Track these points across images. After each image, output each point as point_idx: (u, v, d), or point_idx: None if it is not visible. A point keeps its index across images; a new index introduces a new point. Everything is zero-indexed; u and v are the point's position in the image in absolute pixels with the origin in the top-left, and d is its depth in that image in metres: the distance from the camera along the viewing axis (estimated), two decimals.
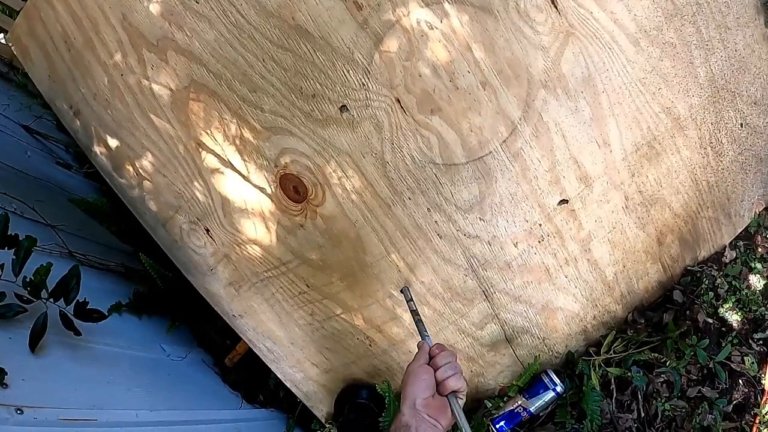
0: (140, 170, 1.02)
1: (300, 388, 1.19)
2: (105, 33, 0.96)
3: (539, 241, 1.00)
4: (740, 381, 1.09)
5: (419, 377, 0.74)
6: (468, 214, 0.97)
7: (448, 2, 0.87)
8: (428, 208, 0.97)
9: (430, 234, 0.98)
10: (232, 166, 0.97)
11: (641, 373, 1.07)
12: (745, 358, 1.08)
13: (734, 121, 1.08)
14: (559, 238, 1.00)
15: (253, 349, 1.17)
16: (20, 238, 0.93)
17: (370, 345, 1.10)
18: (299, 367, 1.15)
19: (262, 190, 0.98)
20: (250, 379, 1.34)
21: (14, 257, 0.92)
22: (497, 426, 1.08)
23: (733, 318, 1.10)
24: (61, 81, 1.05)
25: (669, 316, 1.07)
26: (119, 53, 0.95)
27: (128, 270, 1.37)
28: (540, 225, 0.99)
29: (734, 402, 1.08)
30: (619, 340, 1.08)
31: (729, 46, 1.02)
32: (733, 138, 1.09)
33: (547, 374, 1.08)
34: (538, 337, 1.09)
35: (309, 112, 0.93)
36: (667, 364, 1.06)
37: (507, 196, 0.96)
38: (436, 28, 0.88)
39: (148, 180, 1.02)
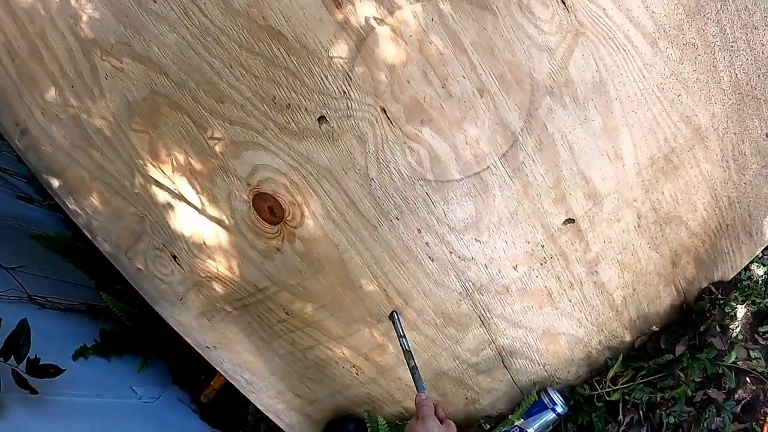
0: (97, 194, 0.92)
1: (283, 419, 1.11)
2: (53, 39, 0.85)
3: (541, 264, 0.91)
4: (747, 379, 1.03)
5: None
6: (463, 234, 0.87)
7: None
8: (418, 229, 0.87)
9: (421, 256, 0.89)
10: (199, 185, 0.87)
11: (645, 391, 0.99)
12: (751, 353, 1.00)
13: (759, 131, 0.97)
14: (563, 260, 0.91)
15: (231, 381, 1.09)
16: None
17: (357, 374, 1.02)
18: (281, 398, 1.07)
19: (233, 211, 0.88)
20: (229, 415, 1.27)
21: None
22: None
23: (738, 312, 1.03)
24: (5, 96, 0.92)
25: (681, 347, 0.98)
26: (69, 61, 0.85)
27: (92, 308, 1.29)
28: (542, 246, 0.89)
29: (742, 402, 1.01)
30: (626, 368, 1.00)
31: (756, 47, 0.91)
32: (758, 149, 0.98)
33: (547, 393, 1.00)
34: (538, 363, 1.01)
35: (284, 124, 0.83)
36: (674, 386, 0.98)
37: (506, 216, 0.86)
38: (427, 28, 0.77)
39: (106, 203, 0.92)
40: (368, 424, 1.03)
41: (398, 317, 0.92)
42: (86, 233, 0.97)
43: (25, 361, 0.91)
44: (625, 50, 0.82)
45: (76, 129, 0.90)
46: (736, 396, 1.01)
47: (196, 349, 1.05)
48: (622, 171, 0.87)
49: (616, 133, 0.85)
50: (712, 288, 1.02)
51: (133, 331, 1.26)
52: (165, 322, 1.05)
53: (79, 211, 0.95)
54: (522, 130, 0.81)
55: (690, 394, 0.97)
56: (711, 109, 0.90)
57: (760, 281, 1.05)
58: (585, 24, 0.80)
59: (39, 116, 0.90)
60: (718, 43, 0.88)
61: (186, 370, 1.31)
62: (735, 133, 0.94)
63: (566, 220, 0.88)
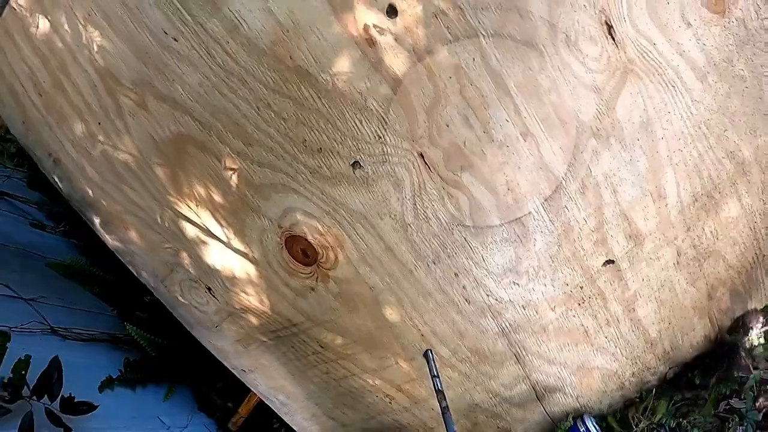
0: (130, 226, 0.89)
1: None
2: (75, 73, 0.80)
3: (579, 304, 0.89)
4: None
5: None
6: (501, 279, 0.85)
7: (484, 36, 0.71)
8: (456, 273, 0.85)
9: (457, 299, 0.87)
10: (228, 223, 0.84)
11: (674, 416, 1.00)
12: None
13: None
14: (601, 299, 0.89)
15: (266, 402, 1.10)
16: None
17: (390, 402, 1.02)
18: (315, 420, 1.08)
19: (265, 251, 0.86)
20: None
21: None
22: None
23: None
24: (36, 129, 0.91)
25: (712, 379, 0.99)
26: (93, 97, 0.80)
27: (115, 337, 1.27)
28: (581, 288, 0.88)
29: (764, 410, 1.03)
30: (659, 399, 1.00)
31: None
32: None
33: (583, 421, 1.00)
34: (571, 396, 1.01)
35: (315, 168, 0.79)
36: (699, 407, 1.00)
37: (546, 259, 0.84)
38: (469, 68, 0.73)
39: (140, 237, 0.90)
40: None
41: (432, 357, 0.91)
42: (123, 262, 0.96)
43: (58, 399, 0.90)
44: (674, 86, 0.78)
45: (105, 163, 0.87)
46: (758, 405, 1.02)
47: (232, 371, 1.05)
48: (665, 210, 0.84)
49: (660, 172, 0.81)
50: (745, 318, 1.02)
51: (158, 360, 1.24)
52: (190, 351, 1.04)
53: (115, 241, 0.93)
54: (566, 174, 0.78)
55: (713, 411, 0.98)
56: (755, 142, 0.87)
57: None
58: (634, 60, 0.75)
59: (70, 148, 0.88)
60: (765, 74, 0.84)
61: (211, 398, 1.30)
62: None
63: (606, 261, 0.86)
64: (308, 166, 0.79)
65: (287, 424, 1.15)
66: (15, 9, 0.81)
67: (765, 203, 0.93)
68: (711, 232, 0.90)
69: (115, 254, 0.99)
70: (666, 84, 0.77)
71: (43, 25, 0.80)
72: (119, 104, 0.80)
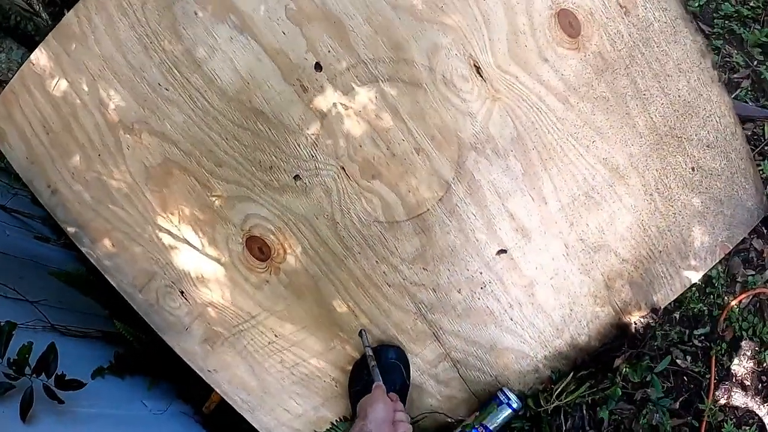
0: (116, 242, 1.16)
1: None
2: (83, 117, 1.08)
3: (481, 288, 1.07)
4: (685, 378, 1.12)
5: (386, 406, 0.89)
6: (412, 264, 1.06)
7: (382, 81, 0.97)
8: (376, 261, 1.06)
9: (380, 283, 1.08)
10: (203, 232, 1.11)
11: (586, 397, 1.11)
12: (687, 356, 1.10)
13: (684, 166, 1.09)
14: (500, 284, 1.07)
15: (228, 401, 1.24)
16: (1, 323, 1.06)
17: (336, 385, 1.20)
18: (272, 414, 1.24)
19: (230, 252, 1.11)
20: (228, 423, 1.43)
21: None
22: None
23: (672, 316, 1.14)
24: (40, 162, 1.14)
25: (620, 361, 1.10)
26: (97, 135, 1.10)
27: (107, 334, 1.49)
28: (481, 273, 1.06)
29: (680, 399, 1.11)
30: (571, 380, 1.12)
31: (671, 92, 1.05)
32: (684, 183, 1.10)
33: (503, 392, 1.12)
34: (490, 375, 1.15)
35: (268, 181, 1.05)
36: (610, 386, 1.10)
37: (447, 248, 1.04)
38: (373, 104, 0.98)
39: (124, 250, 1.17)
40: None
41: (365, 334, 1.10)
42: (104, 274, 1.19)
43: (53, 378, 1.11)
44: (538, 108, 0.99)
45: (100, 189, 1.11)
46: (675, 394, 1.10)
47: (198, 373, 1.22)
48: (545, 208, 1.03)
49: (536, 177, 1.01)
50: (652, 311, 1.13)
51: (143, 354, 1.45)
52: (170, 349, 1.24)
53: (100, 256, 1.18)
54: (453, 179, 1.00)
55: (620, 393, 1.08)
56: (628, 151, 1.04)
57: (694, 288, 1.15)
58: (501, 90, 0.98)
59: (69, 179, 1.12)
60: (629, 93, 1.03)
61: (188, 387, 1.50)
62: (657, 170, 1.07)
63: (499, 250, 1.04)
64: (262, 180, 1.06)
65: None
66: (34, 64, 1.07)
67: (650, 203, 1.08)
68: (596, 227, 1.06)
69: (98, 268, 1.19)
70: (531, 106, 0.99)
71: (60, 79, 1.06)
72: (119, 139, 1.07)
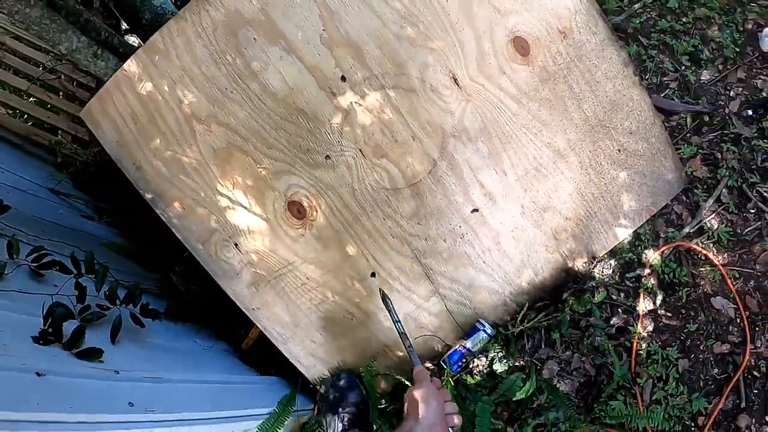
0: (185, 205, 1.53)
1: (302, 362, 1.63)
2: (165, 112, 1.48)
3: (461, 238, 1.45)
4: (619, 310, 1.48)
5: (438, 403, 0.84)
6: (410, 220, 1.44)
7: (387, 88, 1.38)
8: (383, 218, 1.45)
9: (386, 235, 1.46)
10: (255, 197, 1.50)
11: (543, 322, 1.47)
12: (621, 293, 1.46)
13: (612, 148, 1.48)
14: (475, 235, 1.45)
15: (266, 334, 1.59)
16: (96, 267, 1.46)
17: (352, 318, 1.57)
18: (302, 344, 1.60)
19: (275, 212, 1.50)
20: (263, 357, 1.79)
21: (95, 280, 1.42)
22: (451, 360, 1.50)
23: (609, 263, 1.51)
24: (128, 145, 1.49)
25: (566, 294, 1.47)
26: (176, 124, 1.50)
27: (161, 289, 1.86)
28: (460, 226, 1.44)
29: (615, 326, 1.46)
30: (531, 310, 1.48)
31: (599, 94, 1.44)
32: (613, 161, 1.48)
33: (480, 322, 1.48)
34: (470, 308, 1.52)
35: (306, 160, 1.45)
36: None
37: (435, 208, 1.43)
38: (381, 104, 1.38)
39: (192, 212, 1.55)
40: (364, 374, 1.54)
41: (392, 305, 1.23)
42: (174, 231, 1.58)
43: (138, 307, 1.50)
44: (498, 107, 1.39)
45: (175, 164, 1.49)
46: (612, 322, 1.46)
47: (244, 311, 1.59)
48: (506, 178, 1.41)
49: (498, 156, 1.40)
50: (591, 258, 1.50)
51: (191, 304, 1.83)
52: (214, 298, 1.60)
53: (172, 217, 1.57)
54: (438, 158, 1.39)
55: (569, 319, 1.44)
56: (566, 137, 1.43)
57: (626, 242, 1.51)
58: (472, 95, 1.38)
59: (150, 157, 1.50)
60: (567, 96, 1.42)
61: (229, 331, 1.87)
62: (590, 151, 1.46)
63: (473, 209, 1.42)
64: (302, 159, 1.46)
65: None
66: (126, 71, 1.41)
67: (586, 176, 1.46)
68: (544, 193, 1.44)
69: (171, 229, 1.56)
70: (494, 106, 1.38)
71: (146, 82, 1.40)
72: (193, 128, 1.46)
